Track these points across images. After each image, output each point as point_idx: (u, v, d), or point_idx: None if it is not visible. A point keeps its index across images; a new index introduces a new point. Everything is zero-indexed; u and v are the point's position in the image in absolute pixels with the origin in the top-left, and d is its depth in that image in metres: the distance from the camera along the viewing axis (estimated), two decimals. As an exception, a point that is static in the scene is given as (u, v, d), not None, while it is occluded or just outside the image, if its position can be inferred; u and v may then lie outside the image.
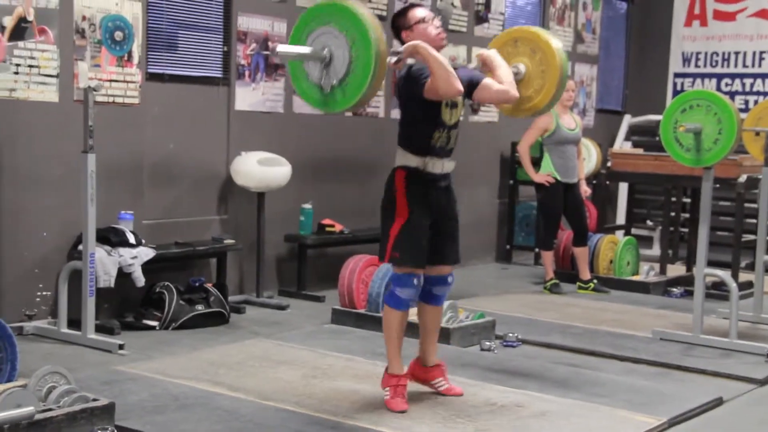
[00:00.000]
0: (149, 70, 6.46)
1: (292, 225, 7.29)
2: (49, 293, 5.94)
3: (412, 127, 4.51)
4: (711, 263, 6.24)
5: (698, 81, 10.98)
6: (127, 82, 6.28)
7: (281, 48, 4.12)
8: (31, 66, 5.73)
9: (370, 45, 4.01)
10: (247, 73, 7.06)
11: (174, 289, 6.13)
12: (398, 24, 4.57)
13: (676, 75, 11.14)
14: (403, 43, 4.47)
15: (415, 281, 4.50)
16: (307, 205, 7.28)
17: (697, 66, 11.03)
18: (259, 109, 7.19)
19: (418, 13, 4.56)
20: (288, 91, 7.35)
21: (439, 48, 4.45)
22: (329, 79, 4.08)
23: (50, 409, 3.91)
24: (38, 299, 5.92)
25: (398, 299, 4.50)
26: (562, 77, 4.89)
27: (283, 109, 7.36)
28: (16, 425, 3.71)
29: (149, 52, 6.45)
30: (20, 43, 5.67)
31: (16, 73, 5.67)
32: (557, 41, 4.97)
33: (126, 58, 6.24)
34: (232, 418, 4.29)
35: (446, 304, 5.85)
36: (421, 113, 4.46)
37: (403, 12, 4.62)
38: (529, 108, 4.96)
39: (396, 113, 8.04)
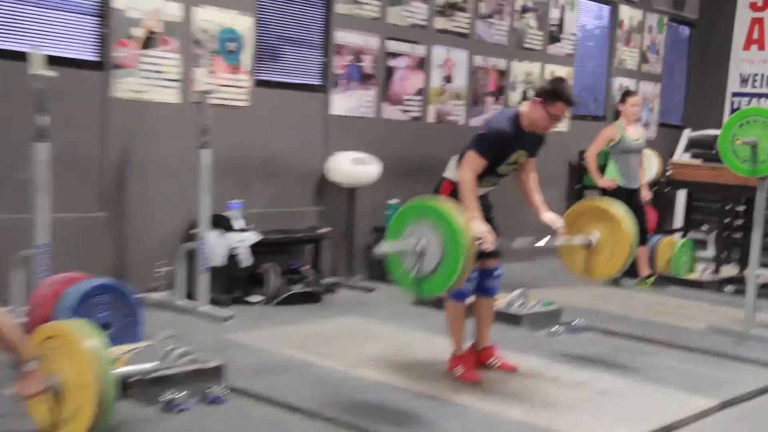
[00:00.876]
0: (257, 77, 6.61)
1: (380, 217, 7.36)
2: (168, 270, 6.08)
3: None
4: (763, 266, 6.16)
5: (754, 100, 10.76)
6: (238, 87, 6.45)
7: (381, 248, 4.10)
8: (157, 71, 5.93)
9: (459, 249, 3.88)
10: (342, 81, 7.18)
11: (275, 270, 6.25)
12: (544, 95, 4.43)
13: (734, 94, 10.91)
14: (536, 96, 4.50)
15: (474, 274, 4.51)
16: (394, 201, 7.35)
17: (753, 86, 10.82)
18: (353, 114, 7.29)
19: (560, 110, 4.44)
20: (378, 98, 7.47)
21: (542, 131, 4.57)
22: (421, 269, 3.99)
23: (169, 368, 4.00)
24: (159, 275, 6.07)
25: (459, 293, 4.50)
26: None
27: (374, 114, 7.45)
28: (140, 380, 3.85)
29: (258, 62, 6.60)
30: (148, 52, 5.88)
31: (145, 78, 5.87)
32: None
33: (237, 66, 6.42)
34: (325, 384, 4.38)
35: (518, 291, 5.90)
36: None
37: (557, 97, 4.41)
38: (597, 275, 5.07)
39: (474, 121, 8.14)
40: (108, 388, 3.32)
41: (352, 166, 6.90)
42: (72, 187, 5.50)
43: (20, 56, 5.00)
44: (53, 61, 4.87)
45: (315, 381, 4.42)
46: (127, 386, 3.79)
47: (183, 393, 3.87)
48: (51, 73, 4.70)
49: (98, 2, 5.66)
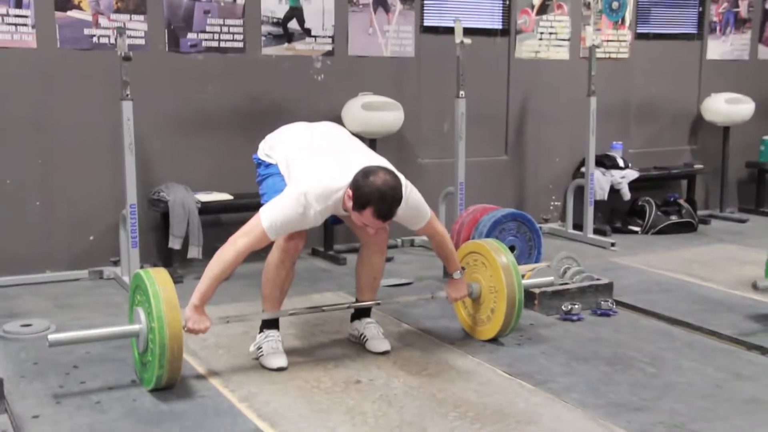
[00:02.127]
0: (638, 31, 6.44)
1: (752, 153, 6.89)
2: (558, 203, 6.25)
3: None
4: None
5: None
6: (620, 41, 6.34)
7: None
8: (550, 33, 6.02)
9: None
10: (718, 28, 6.75)
11: (653, 203, 6.14)
12: None
13: None
14: None
15: None
16: (768, 137, 6.84)
17: None
18: (727, 57, 6.84)
19: None
20: (753, 41, 6.92)
21: None
22: None
23: (566, 284, 4.14)
24: (551, 207, 6.25)
25: None
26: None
27: (749, 57, 6.93)
28: (543, 292, 4.01)
29: (639, 17, 6.43)
30: (544, 17, 5.98)
31: (540, 39, 5.99)
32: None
33: (620, 22, 6.31)
34: (704, 301, 4.25)
35: None
36: None
37: None
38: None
39: None
40: (518, 293, 3.47)
41: (727, 106, 6.48)
42: (482, 136, 5.82)
43: (445, 30, 5.43)
44: (469, 31, 5.19)
45: (695, 299, 4.30)
46: (532, 298, 3.98)
47: (578, 305, 3.96)
48: (468, 40, 5.02)
49: (501, -22, 5.87)
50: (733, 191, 6.97)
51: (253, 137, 4.70)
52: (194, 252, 4.60)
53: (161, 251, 4.76)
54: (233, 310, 3.74)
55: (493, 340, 3.58)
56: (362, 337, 3.52)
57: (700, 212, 6.48)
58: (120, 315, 3.81)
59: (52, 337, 2.94)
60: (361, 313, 3.58)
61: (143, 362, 3.06)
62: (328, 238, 5.19)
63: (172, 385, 3.01)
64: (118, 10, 4.62)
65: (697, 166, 6.57)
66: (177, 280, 4.39)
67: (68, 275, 4.63)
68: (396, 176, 3.05)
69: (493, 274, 3.54)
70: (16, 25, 4.42)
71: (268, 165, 3.38)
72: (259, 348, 3.32)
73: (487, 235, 4.49)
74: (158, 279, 2.99)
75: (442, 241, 3.46)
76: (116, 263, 4.68)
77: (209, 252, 4.61)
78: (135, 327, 3.03)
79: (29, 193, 4.56)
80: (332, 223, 3.65)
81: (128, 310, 3.22)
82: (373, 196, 2.95)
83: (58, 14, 4.51)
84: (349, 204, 3.03)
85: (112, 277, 4.65)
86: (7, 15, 4.40)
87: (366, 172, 3.00)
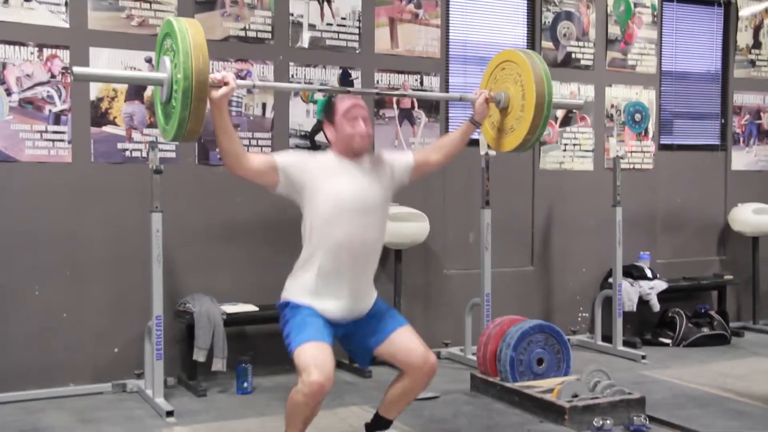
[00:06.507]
0: (661, 142, 6.53)
1: (785, 265, 6.86)
2: (586, 314, 6.20)
3: None
4: None
5: None
6: (644, 152, 6.43)
7: None
8: (574, 144, 6.13)
9: None
10: (741, 139, 6.85)
11: (684, 315, 6.08)
12: None
13: None
14: None
15: None
16: (798, 248, 6.79)
17: None
18: (752, 168, 6.90)
19: None
20: (777, 152, 7.03)
21: None
22: None
23: (597, 398, 4.07)
24: (579, 319, 6.19)
25: None
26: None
27: (774, 167, 7.01)
28: (574, 407, 3.95)
29: (662, 128, 6.55)
30: (567, 128, 6.11)
31: (564, 150, 6.10)
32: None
33: (643, 133, 6.43)
34: (743, 418, 4.15)
35: None
36: None
37: None
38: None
39: None
40: (547, 94, 3.41)
41: (755, 216, 6.49)
42: (508, 246, 5.86)
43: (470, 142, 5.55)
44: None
45: (733, 415, 4.20)
46: (563, 413, 3.92)
47: (610, 420, 3.87)
48: (492, 152, 5.13)
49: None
50: (766, 302, 6.87)
51: (281, 248, 4.76)
52: (218, 364, 4.60)
53: (185, 363, 4.76)
54: (259, 425, 3.70)
55: (524, 458, 3.51)
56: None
57: (732, 324, 6.37)
58: (142, 429, 3.79)
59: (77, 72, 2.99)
60: (380, 426, 3.52)
61: (166, 114, 3.06)
62: (353, 349, 5.17)
63: (197, 129, 3.00)
64: (150, 125, 4.80)
65: (727, 277, 6.52)
66: (201, 393, 4.43)
67: (92, 388, 4.64)
68: None
69: (522, 83, 3.47)
70: (53, 140, 4.60)
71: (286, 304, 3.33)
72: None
73: (515, 348, 4.47)
74: (187, 20, 2.99)
75: (437, 145, 3.61)
76: (140, 376, 4.68)
77: (233, 365, 4.66)
78: (160, 75, 3.03)
79: (56, 304, 4.63)
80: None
81: (155, 62, 3.18)
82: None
83: (94, 129, 4.69)
84: (333, 136, 3.27)
85: (136, 390, 4.64)
86: (46, 131, 4.59)
87: None
